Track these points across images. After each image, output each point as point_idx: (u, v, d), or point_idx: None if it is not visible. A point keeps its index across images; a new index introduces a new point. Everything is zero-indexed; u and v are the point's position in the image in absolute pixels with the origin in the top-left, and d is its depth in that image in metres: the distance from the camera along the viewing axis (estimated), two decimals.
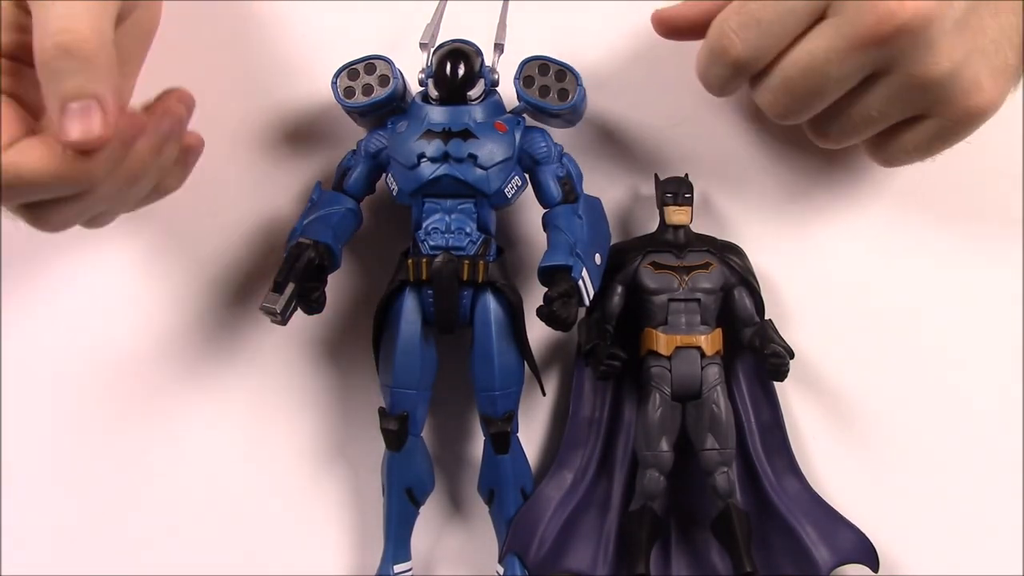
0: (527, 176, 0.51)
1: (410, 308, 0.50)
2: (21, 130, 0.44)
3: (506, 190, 0.50)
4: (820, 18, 0.46)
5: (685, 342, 0.51)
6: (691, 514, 0.54)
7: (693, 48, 0.55)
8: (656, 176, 0.53)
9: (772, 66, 0.47)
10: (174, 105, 0.47)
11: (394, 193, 0.51)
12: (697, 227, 0.54)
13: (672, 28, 0.50)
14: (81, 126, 0.41)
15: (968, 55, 0.45)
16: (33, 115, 0.46)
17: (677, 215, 0.52)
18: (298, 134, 0.56)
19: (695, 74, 0.50)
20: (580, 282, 0.48)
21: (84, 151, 0.42)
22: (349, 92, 0.51)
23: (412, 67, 0.51)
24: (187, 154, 0.50)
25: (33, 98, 0.45)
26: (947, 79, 0.45)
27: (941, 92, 0.46)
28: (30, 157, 0.42)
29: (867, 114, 0.47)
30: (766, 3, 0.46)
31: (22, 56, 0.44)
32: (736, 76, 0.48)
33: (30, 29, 0.43)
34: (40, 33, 0.42)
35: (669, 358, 0.51)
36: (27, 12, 0.44)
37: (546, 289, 0.48)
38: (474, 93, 0.50)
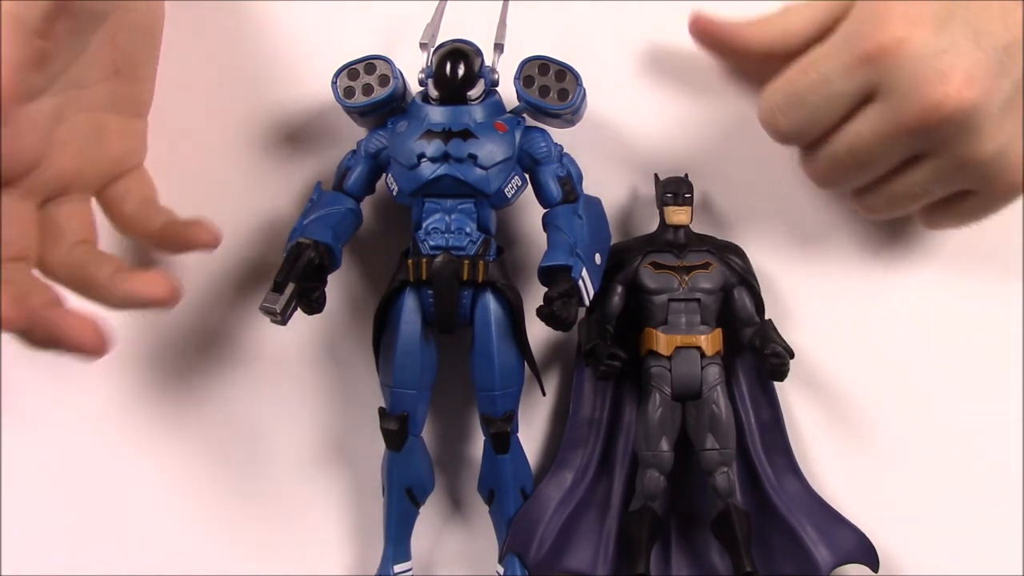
0: (527, 176, 0.51)
1: (410, 308, 0.50)
2: None
3: (506, 190, 0.50)
4: (868, 99, 0.46)
5: (685, 342, 0.51)
6: (691, 514, 0.54)
7: (694, 48, 0.55)
8: (656, 176, 0.53)
9: (819, 140, 0.48)
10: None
11: (394, 193, 0.51)
12: (697, 227, 0.54)
13: (706, 37, 0.51)
14: None
15: (1014, 134, 0.46)
16: None
17: (677, 215, 0.52)
18: (298, 134, 0.56)
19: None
20: (580, 282, 0.48)
21: None
22: (349, 92, 0.51)
23: (412, 67, 0.51)
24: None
25: None
26: (992, 160, 0.46)
27: (986, 171, 0.47)
28: None
29: (912, 191, 0.49)
30: (814, 83, 0.46)
31: None
32: (784, 143, 0.49)
33: None
34: None
35: (669, 358, 0.51)
36: None
37: (546, 289, 0.48)
38: (474, 93, 0.50)
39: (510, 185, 0.50)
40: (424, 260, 0.50)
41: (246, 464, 0.56)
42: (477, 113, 0.50)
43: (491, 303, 0.50)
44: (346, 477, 0.56)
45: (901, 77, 0.45)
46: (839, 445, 0.55)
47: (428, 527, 0.55)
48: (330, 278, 0.50)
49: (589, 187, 0.52)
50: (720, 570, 0.53)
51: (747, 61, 0.50)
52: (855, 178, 0.49)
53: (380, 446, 0.52)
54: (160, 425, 0.56)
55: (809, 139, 0.49)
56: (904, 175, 0.48)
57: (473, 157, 0.49)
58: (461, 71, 0.50)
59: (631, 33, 0.55)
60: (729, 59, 0.51)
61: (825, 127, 0.48)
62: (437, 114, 0.50)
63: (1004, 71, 0.45)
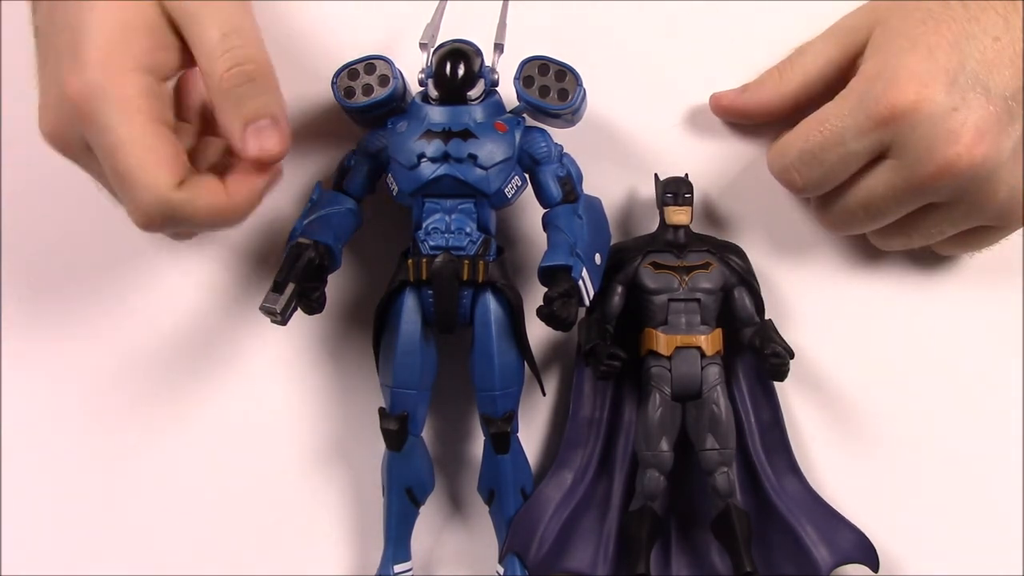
0: (527, 176, 0.51)
1: (410, 308, 0.50)
2: (185, 166, 0.45)
3: (506, 190, 0.50)
4: (881, 155, 0.47)
5: (685, 342, 0.51)
6: (691, 514, 0.54)
7: (693, 48, 0.55)
8: (656, 176, 0.53)
9: (833, 192, 0.50)
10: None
11: (394, 193, 0.51)
12: (697, 227, 0.54)
13: (729, 114, 0.54)
14: (266, 142, 0.45)
15: None
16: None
17: (677, 215, 0.52)
18: (298, 134, 0.55)
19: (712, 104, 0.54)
20: (580, 282, 0.48)
21: (260, 170, 0.46)
22: (349, 92, 0.51)
23: (412, 67, 0.51)
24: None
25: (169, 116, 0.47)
26: (1005, 202, 0.47)
27: (1000, 210, 0.48)
28: (202, 195, 0.45)
29: (927, 233, 0.50)
30: (827, 143, 0.48)
31: (167, 75, 0.46)
32: (799, 195, 0.52)
33: (173, 48, 0.45)
34: (216, 61, 0.45)
35: (669, 358, 0.51)
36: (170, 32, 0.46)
37: (546, 289, 0.48)
38: (474, 93, 0.50)
39: (510, 185, 0.50)
40: (424, 260, 0.50)
41: (246, 464, 0.56)
42: (477, 113, 0.50)
43: (491, 303, 0.50)
44: (346, 477, 0.56)
45: (914, 138, 0.46)
46: (839, 445, 0.55)
47: (428, 527, 0.55)
48: (330, 278, 0.50)
49: (589, 187, 0.52)
50: (720, 570, 0.53)
51: (774, 116, 0.52)
52: (869, 227, 0.51)
53: (380, 446, 0.52)
54: (160, 425, 0.56)
55: (823, 191, 0.50)
56: (919, 220, 0.50)
57: (473, 157, 0.49)
58: (461, 71, 0.50)
59: (631, 33, 0.55)
60: (757, 121, 0.53)
61: (839, 181, 0.49)
62: (437, 114, 0.50)
63: (1013, 117, 0.46)
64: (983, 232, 0.51)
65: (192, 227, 0.47)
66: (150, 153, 0.44)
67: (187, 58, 0.46)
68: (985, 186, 0.47)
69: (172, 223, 0.45)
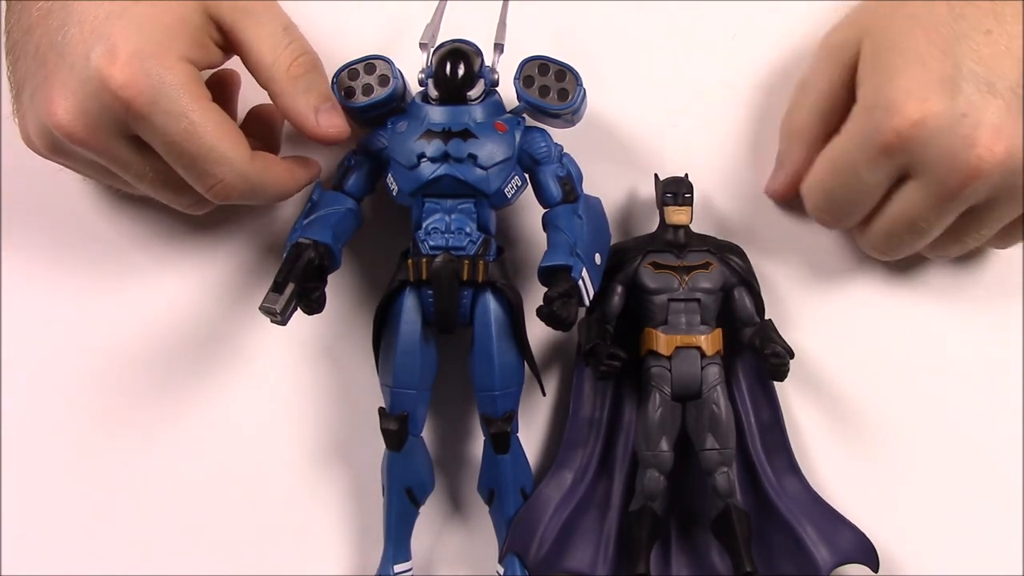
0: (527, 176, 0.51)
1: (410, 308, 0.50)
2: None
3: (506, 190, 0.50)
4: (905, 176, 0.47)
5: (685, 342, 0.51)
6: (691, 514, 0.54)
7: (694, 48, 0.55)
8: (656, 176, 0.53)
9: (871, 219, 0.50)
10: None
11: (394, 193, 0.51)
12: (697, 227, 0.54)
13: (788, 196, 0.54)
14: (335, 121, 0.50)
15: None
16: None
17: (677, 215, 0.52)
18: (298, 134, 0.55)
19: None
20: (580, 282, 0.48)
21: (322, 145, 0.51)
22: (349, 92, 0.51)
23: (412, 67, 0.51)
24: None
25: None
26: None
27: None
28: (270, 168, 0.50)
29: (977, 234, 0.49)
30: (845, 180, 0.48)
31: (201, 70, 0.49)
32: (841, 229, 0.52)
33: (209, 49, 0.48)
34: (282, 52, 0.49)
35: (669, 358, 0.51)
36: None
37: (546, 289, 0.48)
38: (474, 93, 0.50)
39: (510, 185, 0.50)
40: (424, 260, 0.50)
41: (246, 464, 0.56)
42: (477, 113, 0.50)
43: (491, 303, 0.50)
44: (346, 477, 0.56)
45: (929, 154, 0.45)
46: (839, 445, 0.55)
47: (428, 527, 0.55)
48: (330, 278, 0.50)
49: (589, 187, 0.52)
50: (720, 570, 0.53)
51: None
52: (919, 246, 0.50)
53: (380, 446, 0.52)
54: (160, 425, 0.56)
55: (859, 219, 0.50)
56: (968, 224, 0.49)
57: (473, 157, 0.49)
58: (461, 71, 0.50)
59: (631, 33, 0.55)
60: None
61: (870, 208, 0.49)
62: (437, 114, 0.50)
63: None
64: (1015, 231, 0.50)
65: (261, 199, 0.50)
66: (223, 131, 0.47)
67: (217, 60, 0.49)
68: (1014, 184, 0.46)
69: (250, 194, 0.49)
